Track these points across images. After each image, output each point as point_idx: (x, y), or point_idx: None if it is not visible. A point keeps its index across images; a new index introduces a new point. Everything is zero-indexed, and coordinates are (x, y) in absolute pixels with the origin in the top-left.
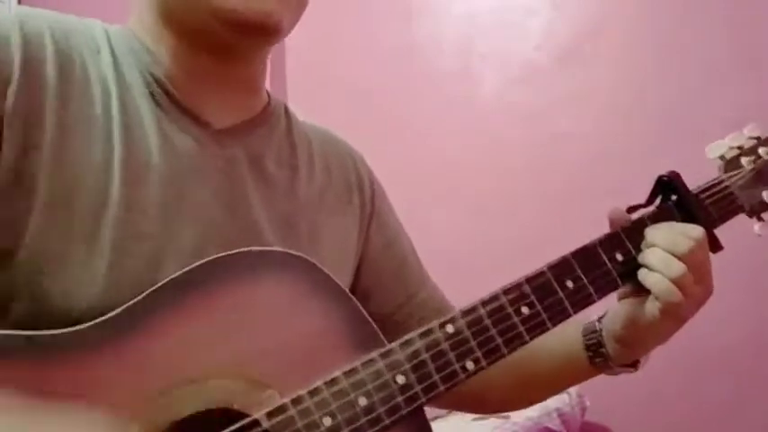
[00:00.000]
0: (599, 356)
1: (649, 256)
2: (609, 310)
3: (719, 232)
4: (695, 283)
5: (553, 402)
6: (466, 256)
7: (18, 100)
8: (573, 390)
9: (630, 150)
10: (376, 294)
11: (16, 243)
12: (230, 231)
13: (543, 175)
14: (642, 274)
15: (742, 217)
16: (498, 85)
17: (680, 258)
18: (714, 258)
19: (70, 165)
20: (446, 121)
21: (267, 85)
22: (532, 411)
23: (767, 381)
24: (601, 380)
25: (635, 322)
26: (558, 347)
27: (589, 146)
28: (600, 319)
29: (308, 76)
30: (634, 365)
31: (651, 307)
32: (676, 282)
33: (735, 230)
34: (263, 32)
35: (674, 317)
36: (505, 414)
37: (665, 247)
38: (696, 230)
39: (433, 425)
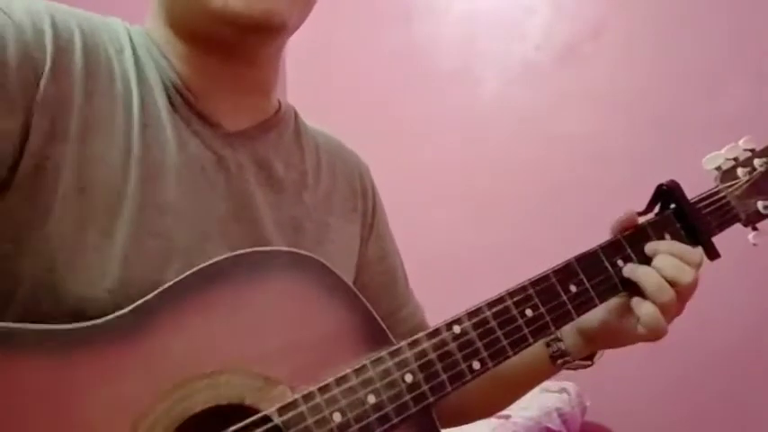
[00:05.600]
0: (557, 351)
1: (648, 279)
2: None
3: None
4: (677, 304)
5: (553, 402)
6: (465, 254)
7: (48, 91)
8: (573, 390)
9: (630, 150)
10: None
11: (35, 230)
12: (236, 233)
13: (542, 174)
14: (635, 303)
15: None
16: (498, 85)
17: (678, 286)
18: (714, 263)
19: (92, 159)
20: (446, 120)
21: None
22: (532, 411)
23: (766, 380)
24: (601, 380)
25: (615, 328)
26: None
27: (589, 146)
28: None
29: (308, 76)
30: (590, 359)
31: (634, 325)
32: (663, 309)
33: (733, 233)
34: (268, 31)
35: (650, 339)
36: (506, 414)
37: (670, 276)
38: (696, 256)
39: None
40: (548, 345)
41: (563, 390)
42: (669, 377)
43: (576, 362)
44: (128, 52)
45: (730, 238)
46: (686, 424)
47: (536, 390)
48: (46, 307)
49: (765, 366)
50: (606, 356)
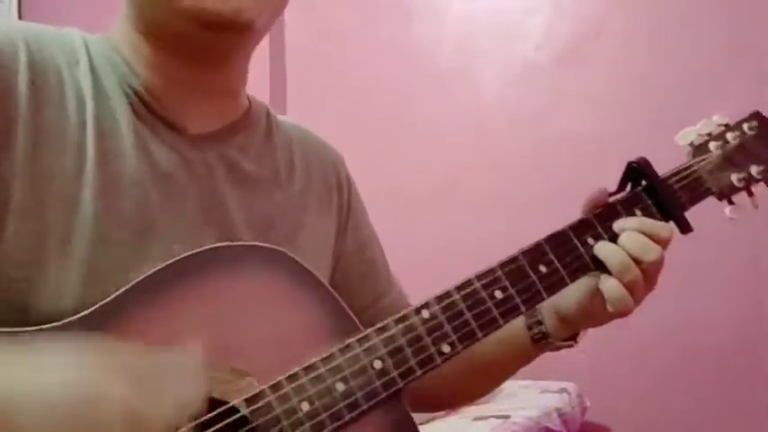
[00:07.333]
0: (539, 334)
1: (612, 257)
2: None
3: (712, 232)
4: (645, 285)
5: (553, 402)
6: (464, 254)
7: None
8: (573, 390)
9: (630, 150)
10: (342, 295)
11: None
12: (206, 236)
13: (542, 174)
14: (601, 280)
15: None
16: (498, 84)
17: (643, 263)
18: (710, 262)
19: (42, 172)
20: (445, 120)
21: (267, 84)
22: (532, 411)
23: (763, 379)
24: (601, 380)
25: (588, 307)
26: (501, 331)
27: (589, 146)
28: None
29: (308, 76)
30: (573, 339)
31: (602, 304)
32: (629, 286)
33: (730, 234)
34: (236, 30)
35: (619, 315)
36: (505, 414)
37: (635, 254)
38: (666, 230)
39: (432, 425)
40: (529, 328)
41: (563, 390)
42: (669, 377)
43: (558, 343)
44: (83, 64)
45: (730, 241)
46: (686, 423)
47: (536, 390)
48: (14, 323)
49: (761, 366)
50: (606, 357)
